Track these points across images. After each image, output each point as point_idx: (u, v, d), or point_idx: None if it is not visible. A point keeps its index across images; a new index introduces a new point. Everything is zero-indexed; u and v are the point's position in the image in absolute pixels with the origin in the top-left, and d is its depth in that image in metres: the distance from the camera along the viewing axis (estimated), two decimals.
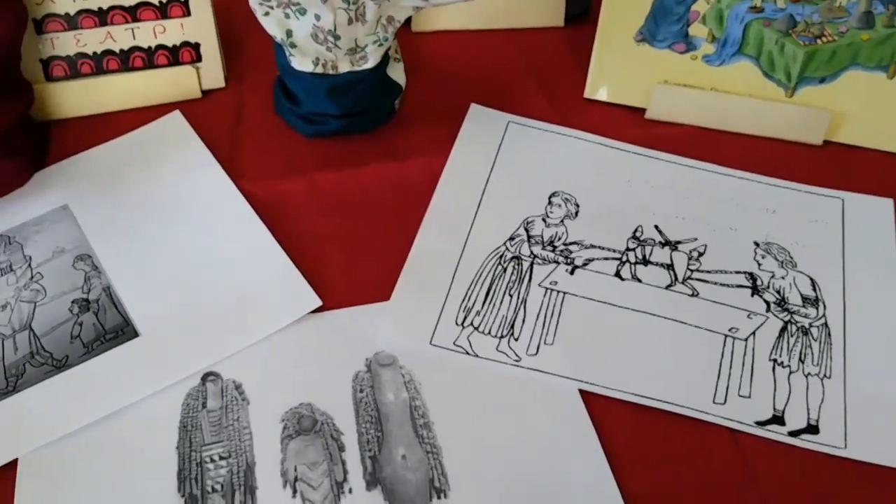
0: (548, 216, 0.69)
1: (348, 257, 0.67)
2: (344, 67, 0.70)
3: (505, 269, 0.66)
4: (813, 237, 0.68)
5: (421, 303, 0.63)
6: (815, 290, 0.65)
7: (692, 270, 0.66)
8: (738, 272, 0.66)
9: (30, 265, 0.64)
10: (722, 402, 0.59)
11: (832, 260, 0.67)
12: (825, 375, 0.60)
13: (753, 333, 0.62)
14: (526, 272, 0.66)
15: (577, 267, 0.66)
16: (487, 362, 0.60)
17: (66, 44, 0.73)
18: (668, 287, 0.65)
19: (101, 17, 0.73)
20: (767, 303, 0.64)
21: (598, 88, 0.77)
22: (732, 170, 0.73)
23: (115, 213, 0.67)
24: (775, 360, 0.61)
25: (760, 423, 0.58)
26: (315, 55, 0.69)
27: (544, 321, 0.63)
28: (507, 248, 0.67)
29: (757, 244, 0.68)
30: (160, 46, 0.75)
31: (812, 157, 0.74)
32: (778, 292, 0.65)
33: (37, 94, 0.72)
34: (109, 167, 0.71)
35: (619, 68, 0.76)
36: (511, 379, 0.60)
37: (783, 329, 0.62)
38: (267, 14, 0.68)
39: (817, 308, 0.64)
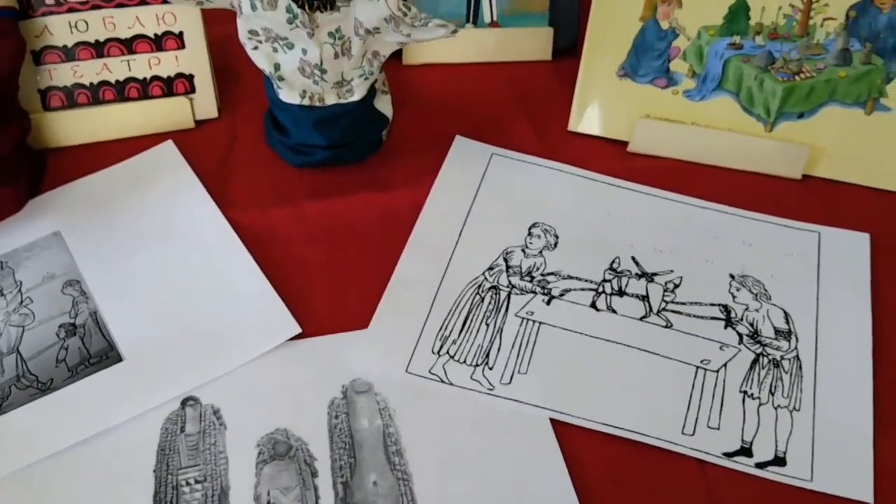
0: (527, 247, 0.70)
1: (331, 285, 0.68)
2: (331, 100, 0.72)
3: (483, 299, 0.67)
4: (788, 270, 0.69)
5: (398, 331, 0.64)
6: (788, 322, 0.66)
7: (667, 302, 0.67)
8: (712, 304, 0.67)
9: (20, 290, 0.66)
10: (691, 433, 0.59)
11: (806, 293, 0.68)
12: (794, 408, 0.61)
13: (725, 365, 0.63)
14: (503, 302, 0.67)
15: (553, 297, 0.67)
16: (461, 391, 0.61)
17: (63, 75, 0.76)
18: (642, 318, 0.66)
19: (98, 49, 0.76)
20: (740, 335, 0.65)
21: (582, 121, 0.79)
22: (711, 203, 0.74)
23: (105, 241, 0.69)
24: (745, 392, 0.62)
25: (728, 455, 0.58)
26: (302, 88, 0.71)
27: (519, 350, 0.64)
28: (485, 278, 0.68)
29: (732, 276, 0.69)
30: (155, 77, 0.77)
31: (791, 190, 0.75)
32: (751, 325, 0.65)
33: (34, 123, 0.74)
34: (102, 195, 0.73)
35: (602, 102, 0.78)
36: (484, 407, 0.61)
37: (755, 361, 0.63)
38: (256, 48, 0.70)
39: (789, 341, 0.65)
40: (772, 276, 0.69)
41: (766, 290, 0.68)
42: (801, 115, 0.75)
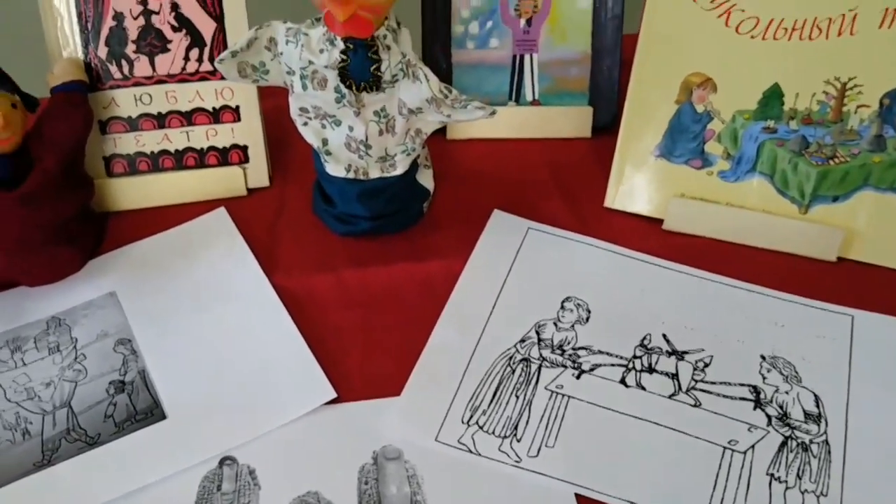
0: (559, 320, 0.72)
1: (367, 351, 0.71)
2: (374, 174, 0.75)
3: (514, 371, 0.69)
4: (820, 353, 0.69)
5: (430, 399, 0.66)
6: (818, 406, 0.66)
7: (696, 381, 0.68)
8: (742, 385, 0.67)
9: (75, 346, 0.70)
10: None
11: (838, 377, 0.68)
12: (822, 493, 0.61)
13: (753, 447, 0.63)
14: (534, 374, 0.68)
15: (583, 372, 0.68)
16: (489, 461, 0.63)
17: (126, 143, 0.81)
18: (671, 396, 0.67)
19: (160, 121, 0.81)
20: (769, 417, 0.65)
21: (618, 198, 0.81)
22: (744, 283, 0.75)
23: (157, 302, 0.73)
24: (772, 475, 0.62)
25: None
26: (348, 162, 0.75)
27: (547, 424, 0.65)
28: (517, 350, 0.70)
29: (763, 357, 0.69)
30: (211, 148, 0.82)
31: (825, 273, 0.76)
32: (781, 407, 0.66)
33: (97, 188, 0.79)
34: (156, 258, 0.77)
35: (638, 180, 0.80)
36: (510, 479, 0.62)
37: (783, 444, 0.64)
38: (306, 124, 0.74)
39: (819, 425, 0.65)
40: (803, 358, 0.69)
41: (796, 373, 0.68)
42: (835, 199, 0.76)
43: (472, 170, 0.87)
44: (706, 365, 0.69)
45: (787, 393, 0.67)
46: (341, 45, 0.67)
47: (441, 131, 0.87)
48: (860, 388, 0.67)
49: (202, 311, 0.72)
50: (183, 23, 0.78)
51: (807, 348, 0.70)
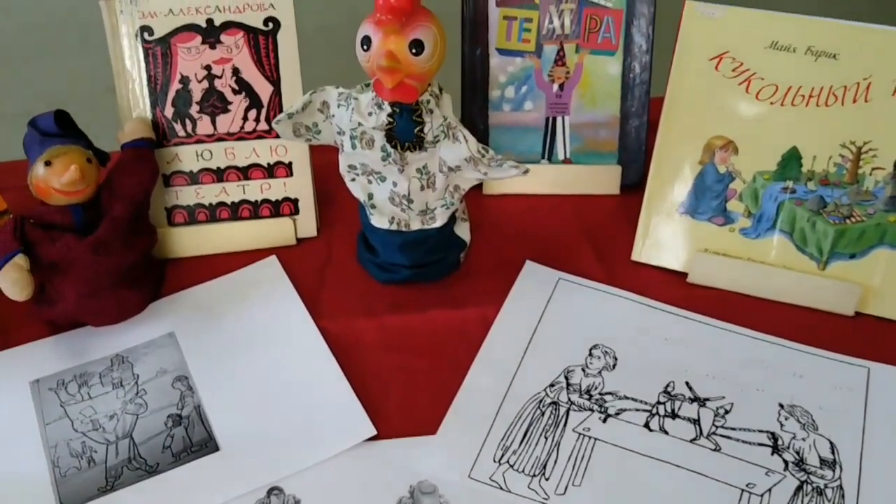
0: (587, 367, 0.76)
1: (405, 392, 0.75)
2: (415, 226, 0.81)
3: (543, 413, 0.73)
4: (837, 403, 0.73)
5: (464, 438, 0.71)
6: (833, 453, 0.69)
7: (717, 426, 0.71)
8: (760, 431, 0.71)
9: (137, 382, 0.75)
10: None
11: (853, 426, 0.71)
12: None
13: (770, 490, 0.67)
14: (562, 417, 0.72)
15: (609, 416, 0.72)
16: (518, 498, 0.67)
17: (187, 195, 0.87)
18: (692, 441, 0.70)
19: (219, 175, 0.87)
20: (786, 462, 0.68)
21: (644, 252, 0.85)
22: (765, 335, 0.79)
23: (212, 342, 0.78)
24: None
25: None
26: (391, 215, 0.80)
27: (574, 464, 0.69)
28: (546, 394, 0.74)
29: (781, 406, 0.73)
30: (265, 200, 0.88)
31: (842, 326, 0.79)
32: (797, 453, 0.69)
33: (159, 237, 0.85)
34: (212, 302, 0.82)
35: (663, 236, 0.85)
36: None
37: (799, 488, 0.67)
38: (353, 180, 0.80)
39: (834, 470, 0.68)
40: (820, 407, 0.72)
41: (813, 421, 0.71)
42: (852, 256, 0.80)
43: (506, 223, 0.92)
44: (727, 412, 0.72)
45: (803, 440, 0.70)
46: (388, 109, 0.73)
47: (478, 186, 0.93)
48: (874, 437, 0.70)
49: (253, 352, 0.78)
50: (243, 86, 0.85)
51: (824, 398, 0.73)
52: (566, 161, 0.94)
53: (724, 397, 0.73)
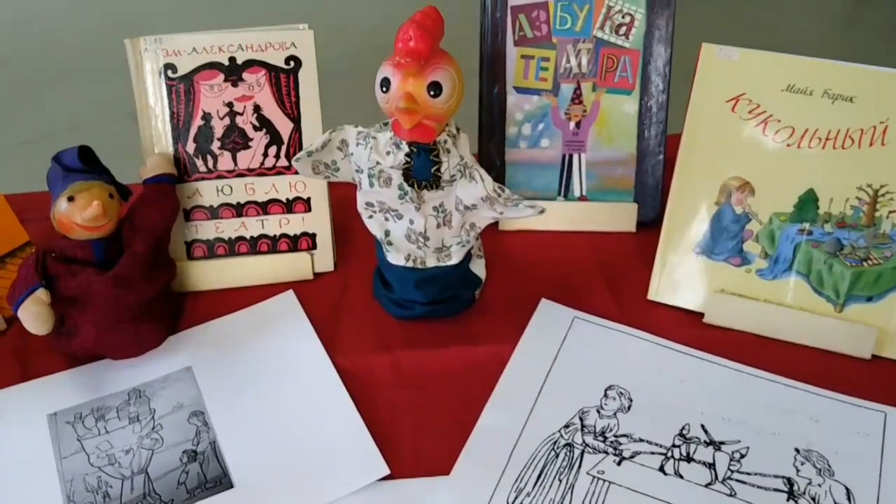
0: (602, 408, 0.76)
1: (419, 430, 0.75)
2: (431, 263, 0.81)
3: (557, 455, 0.73)
4: (853, 448, 0.72)
5: (478, 479, 0.70)
6: (849, 499, 0.68)
7: (732, 471, 0.71)
8: (776, 476, 0.70)
9: (153, 417, 0.76)
10: None
11: (869, 472, 0.70)
12: None
13: None
14: (576, 459, 0.72)
15: (624, 458, 0.72)
16: None
17: (207, 230, 0.88)
18: (707, 485, 0.70)
19: (238, 210, 0.88)
20: None
21: (660, 292, 0.85)
22: (781, 377, 0.78)
23: (229, 377, 0.79)
24: None
25: None
26: (407, 252, 0.81)
27: None
28: (561, 435, 0.74)
29: (797, 450, 0.72)
30: (283, 235, 0.89)
31: (859, 370, 0.79)
32: (813, 499, 0.68)
33: (178, 270, 0.86)
34: (229, 336, 0.83)
35: (679, 276, 0.85)
36: None
37: None
38: (371, 217, 0.81)
39: None
40: (836, 452, 0.72)
41: (829, 466, 0.71)
42: (869, 299, 0.79)
43: (521, 260, 0.92)
44: (742, 456, 0.72)
45: (819, 485, 0.69)
46: (406, 149, 0.74)
47: (494, 223, 0.93)
48: (891, 483, 0.69)
49: (269, 387, 0.78)
50: (264, 123, 0.86)
51: (840, 443, 0.73)
52: (582, 198, 0.95)
53: (739, 441, 0.73)
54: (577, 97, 0.92)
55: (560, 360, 0.80)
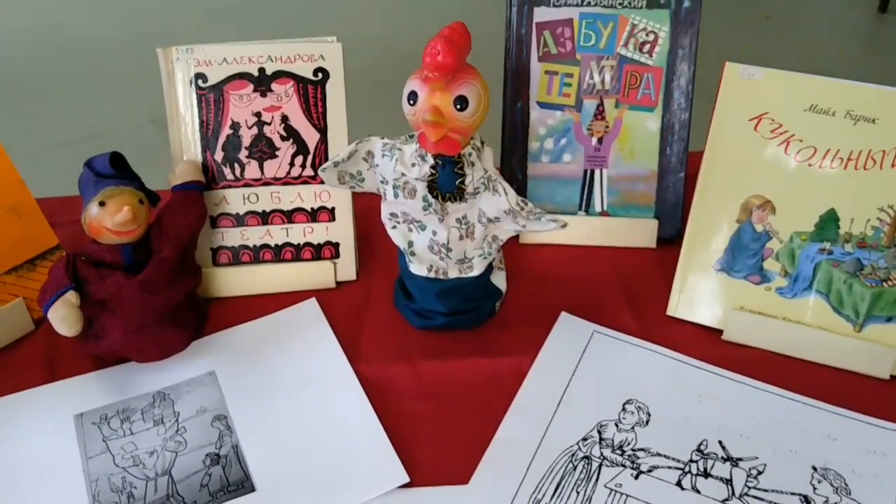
0: (620, 422, 0.77)
1: (439, 440, 0.76)
2: (453, 274, 0.82)
3: (575, 467, 0.73)
4: (870, 467, 0.72)
5: (496, 490, 0.71)
6: None
7: (749, 487, 0.71)
8: (793, 493, 0.70)
9: (177, 420, 0.77)
10: None
11: (887, 491, 0.70)
12: None
13: None
14: (594, 472, 0.73)
15: (641, 472, 0.73)
16: None
17: (232, 237, 0.90)
18: (724, 501, 0.70)
19: (264, 218, 0.89)
20: None
21: (679, 308, 0.86)
22: (799, 395, 0.79)
23: (252, 383, 0.80)
24: None
25: None
26: (430, 263, 0.82)
27: None
28: (579, 448, 0.75)
29: (815, 468, 0.72)
30: (307, 244, 0.90)
31: (878, 389, 0.79)
32: None
33: (203, 276, 0.88)
34: (253, 342, 0.84)
35: (699, 292, 0.85)
36: None
37: None
38: (394, 227, 0.82)
39: None
40: (853, 471, 0.72)
41: (846, 485, 0.71)
42: (889, 319, 0.80)
43: (542, 273, 0.93)
44: (759, 472, 0.72)
45: None
46: (431, 161, 0.75)
47: (515, 236, 0.94)
48: None
49: (291, 393, 0.79)
50: (291, 133, 0.87)
51: (858, 462, 0.73)
52: (603, 213, 0.95)
53: (756, 458, 0.73)
54: (599, 113, 0.93)
55: (579, 374, 0.81)
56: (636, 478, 0.72)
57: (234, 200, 0.89)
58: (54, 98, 2.42)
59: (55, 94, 2.46)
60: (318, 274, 0.90)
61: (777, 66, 0.82)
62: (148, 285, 0.78)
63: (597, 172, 0.94)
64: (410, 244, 0.82)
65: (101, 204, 0.77)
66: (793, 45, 2.75)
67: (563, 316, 0.87)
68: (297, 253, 0.91)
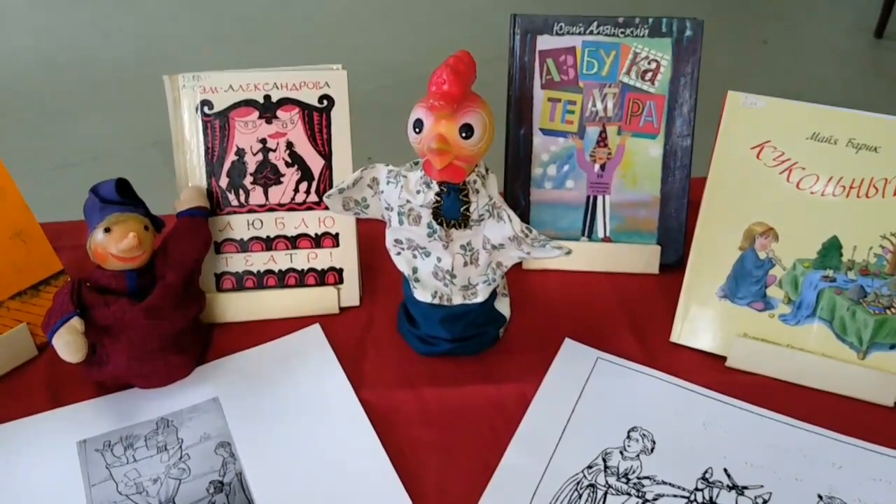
0: (625, 449, 0.77)
1: (443, 467, 0.76)
2: (457, 300, 0.82)
3: (580, 496, 0.73)
4: (875, 495, 0.72)
5: None
6: None
7: None
8: None
9: (181, 447, 0.77)
10: None
11: None
12: None
13: None
14: (599, 500, 0.73)
15: (647, 501, 0.72)
16: None
17: (236, 262, 0.90)
18: None
19: (268, 244, 0.90)
20: None
21: (683, 334, 0.86)
22: (804, 423, 0.78)
23: (255, 409, 0.80)
24: None
25: None
26: (434, 289, 0.82)
27: None
28: (584, 476, 0.74)
29: (820, 497, 0.72)
30: (311, 269, 0.91)
31: (882, 417, 0.79)
32: None
33: (207, 301, 0.87)
34: (256, 368, 0.84)
35: (702, 319, 0.85)
36: None
37: None
38: (399, 253, 0.82)
39: None
40: (859, 499, 0.72)
41: None
42: (892, 347, 0.80)
43: (545, 299, 0.93)
44: (765, 501, 0.72)
45: None
46: (436, 188, 0.76)
47: (519, 262, 0.94)
48: None
49: (295, 421, 0.79)
50: (296, 159, 0.88)
51: (863, 490, 0.73)
52: (606, 239, 0.96)
53: (762, 486, 0.73)
54: (602, 140, 0.94)
55: (583, 401, 0.81)
56: None
57: (239, 226, 0.89)
58: (56, 119, 2.43)
59: (56, 115, 2.47)
60: (321, 300, 0.90)
61: (775, 91, 0.83)
62: (153, 311, 0.78)
63: (599, 198, 0.95)
64: (415, 270, 0.82)
65: (107, 230, 0.77)
66: (790, 69, 2.77)
67: (567, 342, 0.87)
68: (300, 279, 0.91)
